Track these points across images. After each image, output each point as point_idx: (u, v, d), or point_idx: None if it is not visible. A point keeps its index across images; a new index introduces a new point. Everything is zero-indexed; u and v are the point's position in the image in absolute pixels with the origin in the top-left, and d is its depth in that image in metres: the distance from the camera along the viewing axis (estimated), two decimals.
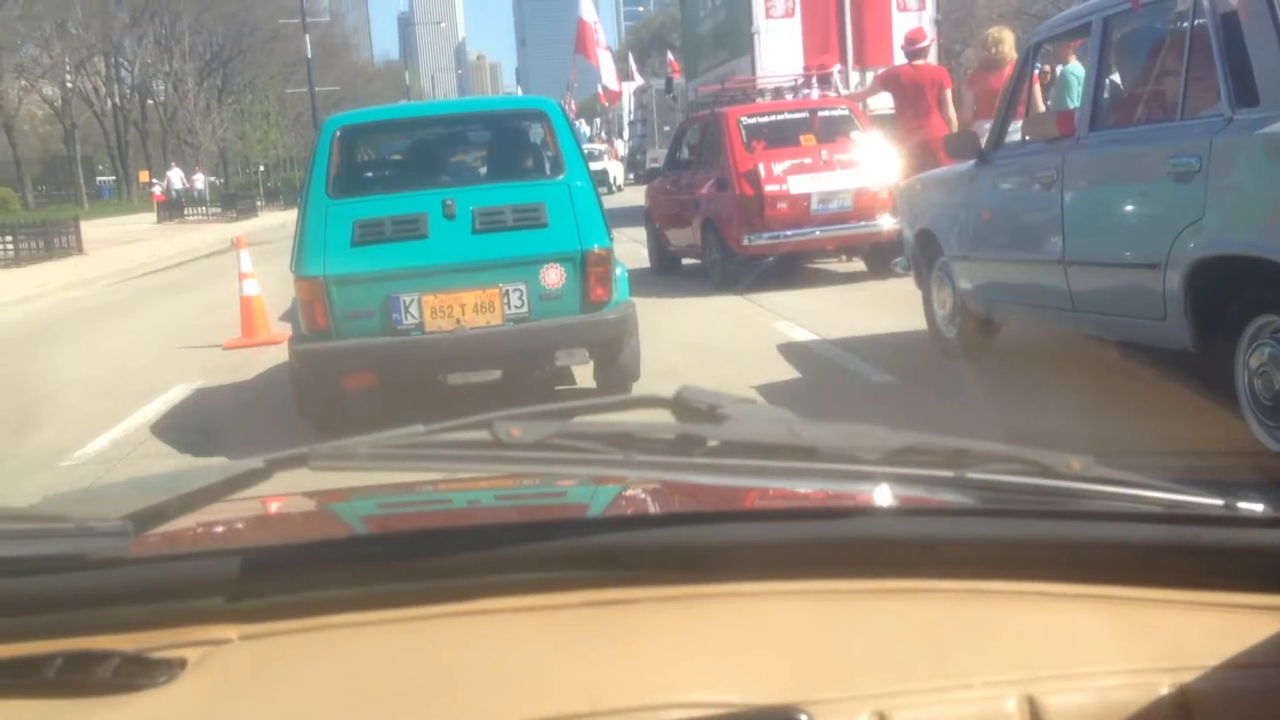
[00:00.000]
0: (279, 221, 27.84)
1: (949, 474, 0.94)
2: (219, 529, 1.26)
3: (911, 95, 10.14)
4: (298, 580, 0.92)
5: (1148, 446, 3.67)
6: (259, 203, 38.89)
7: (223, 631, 0.89)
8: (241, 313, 9.11)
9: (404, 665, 0.86)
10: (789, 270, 10.32)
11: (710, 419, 0.96)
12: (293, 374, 5.83)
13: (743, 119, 10.64)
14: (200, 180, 45.25)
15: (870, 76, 13.58)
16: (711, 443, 0.92)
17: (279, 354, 6.92)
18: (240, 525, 1.33)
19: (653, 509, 1.28)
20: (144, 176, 50.06)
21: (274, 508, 1.41)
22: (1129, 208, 4.86)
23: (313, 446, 0.94)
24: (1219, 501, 0.97)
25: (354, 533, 1.34)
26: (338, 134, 6.05)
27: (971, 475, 0.94)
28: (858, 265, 10.78)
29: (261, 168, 58.09)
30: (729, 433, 0.94)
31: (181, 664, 0.85)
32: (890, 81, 10.56)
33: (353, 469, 0.92)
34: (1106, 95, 5.22)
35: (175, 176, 43.73)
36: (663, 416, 1.00)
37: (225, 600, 0.90)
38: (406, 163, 7.12)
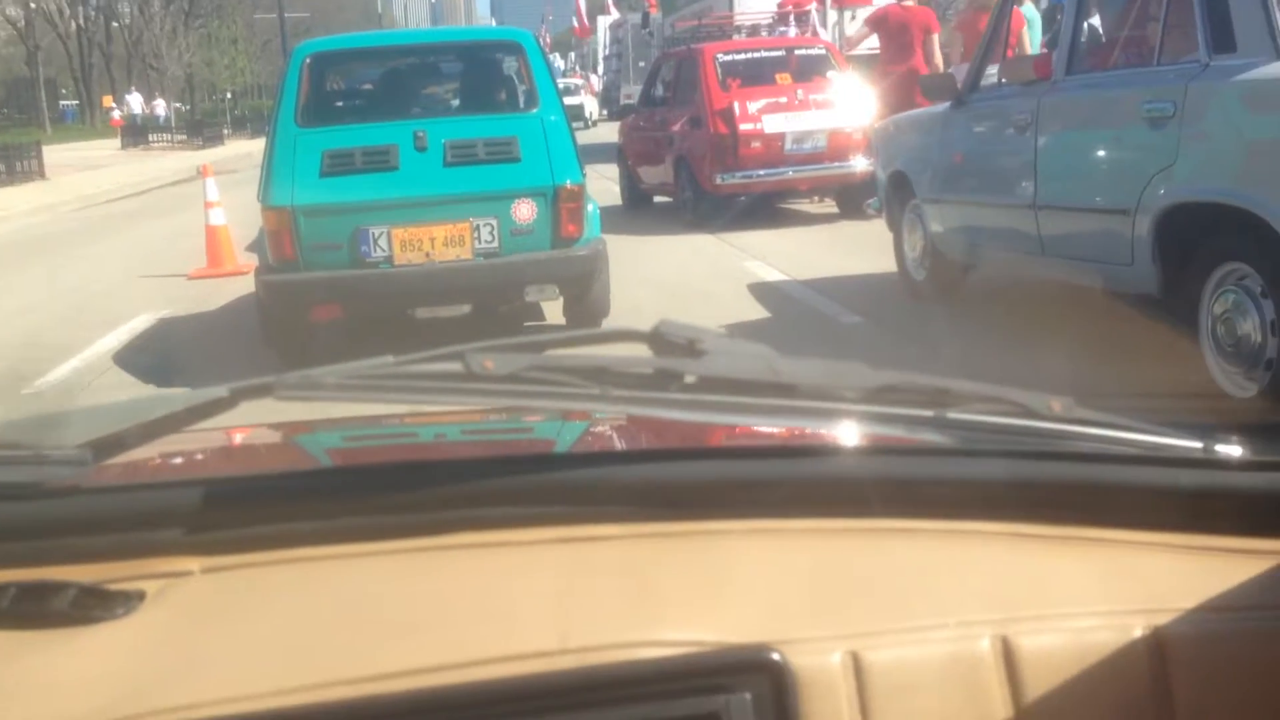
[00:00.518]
0: (246, 150, 27.44)
1: (929, 413, 0.93)
2: (180, 459, 1.24)
3: (898, 36, 10.07)
4: (262, 512, 0.90)
5: (1118, 390, 3.70)
6: (226, 130, 38.24)
7: (184, 564, 0.87)
8: (207, 242, 8.99)
9: (369, 601, 0.85)
10: (761, 210, 10.29)
11: (688, 354, 0.95)
12: (259, 305, 5.77)
13: (719, 56, 10.54)
14: (161, 106, 44.33)
15: (848, 15, 13.47)
16: (689, 378, 0.91)
17: (245, 284, 6.84)
18: (203, 455, 1.31)
19: (627, 445, 1.26)
20: (107, 102, 49.12)
21: (238, 438, 1.39)
22: (1102, 153, 4.85)
23: (279, 376, 0.92)
24: (1198, 444, 0.96)
25: (320, 465, 1.32)
26: (308, 62, 5.94)
27: (952, 415, 0.93)
28: (830, 206, 10.76)
29: (229, 95, 57.16)
30: (707, 368, 0.92)
31: (140, 596, 0.83)
32: (879, 23, 10.47)
33: (320, 399, 0.91)
34: (1085, 39, 5.19)
35: (135, 101, 42.77)
36: (640, 351, 0.98)
37: (186, 532, 0.88)
38: (377, 93, 7.01)
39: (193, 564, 0.87)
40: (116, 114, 41.34)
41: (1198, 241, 4.14)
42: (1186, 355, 4.17)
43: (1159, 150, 4.25)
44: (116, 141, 35.02)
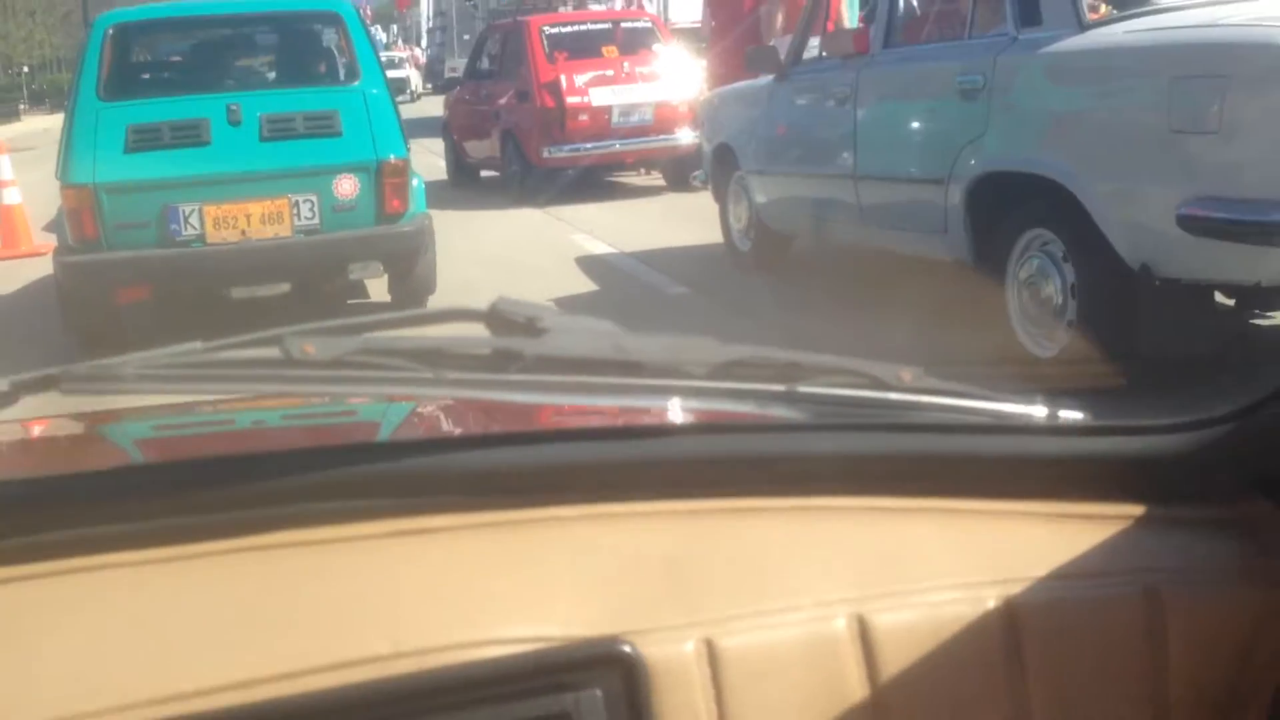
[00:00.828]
0: (44, 126, 25.95)
1: (780, 388, 0.90)
2: None
3: (728, 6, 10.13)
4: (54, 517, 0.80)
5: (933, 355, 3.80)
6: (22, 106, 36.22)
7: None
8: (1, 223, 8.50)
9: (179, 611, 0.77)
10: (589, 184, 10.27)
11: (528, 332, 0.89)
12: (58, 288, 5.47)
13: (545, 28, 10.46)
14: None
15: None
16: (529, 358, 0.86)
17: (43, 267, 6.48)
18: None
19: (461, 429, 1.19)
20: None
21: (31, 432, 1.26)
22: (918, 125, 4.99)
23: (66, 366, 0.83)
24: (1044, 411, 0.97)
25: (125, 460, 1.21)
26: (110, 32, 5.64)
27: (802, 389, 0.91)
28: (656, 179, 10.82)
29: (25, 69, 54.00)
30: (548, 347, 0.88)
31: None
32: None
33: (115, 392, 0.82)
34: (901, 14, 5.32)
35: None
36: (476, 331, 0.93)
37: None
38: (187, 65, 6.70)
39: None
40: None
41: (1006, 209, 4.30)
42: (993, 318, 4.33)
43: (970, 121, 4.39)
44: None
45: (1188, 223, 3.45)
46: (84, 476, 0.94)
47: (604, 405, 1.02)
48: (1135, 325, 3.77)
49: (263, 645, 0.74)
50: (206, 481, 0.84)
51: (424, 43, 42.41)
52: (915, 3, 5.49)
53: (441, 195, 9.29)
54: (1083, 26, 4.02)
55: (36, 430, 1.28)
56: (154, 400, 0.93)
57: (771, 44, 8.22)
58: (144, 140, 5.24)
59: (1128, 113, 3.80)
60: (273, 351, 0.84)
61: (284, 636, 0.75)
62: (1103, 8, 4.35)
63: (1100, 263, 3.83)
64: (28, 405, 0.91)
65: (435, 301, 5.90)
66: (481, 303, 0.93)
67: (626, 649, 0.77)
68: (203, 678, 0.72)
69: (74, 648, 0.74)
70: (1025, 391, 1.00)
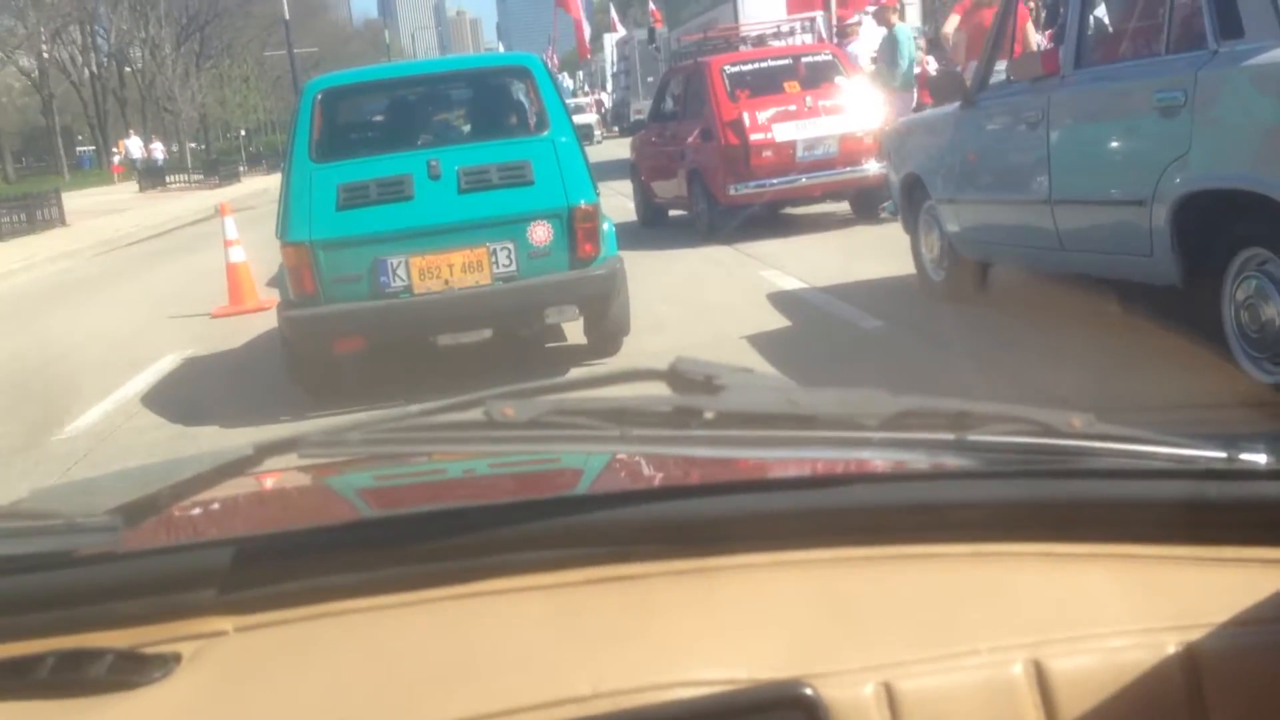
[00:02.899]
0: (262, 187, 27.62)
1: (950, 437, 0.92)
2: (210, 519, 1.24)
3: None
4: (292, 568, 0.90)
5: (1142, 394, 3.67)
6: (241, 168, 38.55)
7: (218, 624, 0.87)
8: (228, 280, 9.06)
9: (403, 653, 0.84)
10: (776, 218, 10.29)
11: (706, 390, 0.95)
12: (282, 340, 5.80)
13: (726, 68, 10.56)
14: (159, 149, 44.14)
15: (853, 21, 13.43)
16: (708, 414, 0.91)
17: (268, 320, 6.89)
18: (231, 514, 1.31)
19: (651, 483, 1.25)
20: (122, 146, 49.54)
21: (267, 490, 1.38)
22: (1115, 145, 4.84)
23: (301, 433, 0.93)
24: (1222, 454, 0.95)
25: (349, 516, 1.32)
26: (319, 97, 5.98)
27: (973, 437, 0.92)
28: (845, 211, 10.76)
29: (243, 132, 57.59)
30: (726, 404, 0.92)
31: (176, 659, 0.83)
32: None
33: (343, 455, 0.91)
34: (1092, 31, 5.18)
35: (134, 145, 42.30)
36: (658, 389, 0.99)
37: (219, 592, 0.88)
38: (389, 124, 7.05)
39: (227, 624, 0.87)
40: (117, 159, 41.02)
41: (1216, 229, 4.12)
42: (1209, 345, 4.14)
43: (1172, 139, 4.24)
44: (134, 185, 35.36)
45: None
46: (317, 531, 1.03)
47: (780, 458, 1.05)
48: None
49: (476, 684, 0.80)
50: (423, 534, 0.92)
51: (609, 86, 43.28)
52: (1106, 21, 5.34)
53: (631, 236, 9.46)
54: None
55: (274, 484, 1.39)
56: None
57: (957, 69, 8.10)
58: (354, 198, 5.51)
59: None
60: (476, 414, 0.91)
61: (497, 677, 0.81)
62: None
63: None
64: (269, 466, 1.01)
65: (629, 341, 6.01)
66: (666, 358, 0.99)
67: (808, 691, 0.79)
68: (425, 714, 0.78)
69: (313, 685, 0.82)
70: (1204, 435, 0.98)
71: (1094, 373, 3.94)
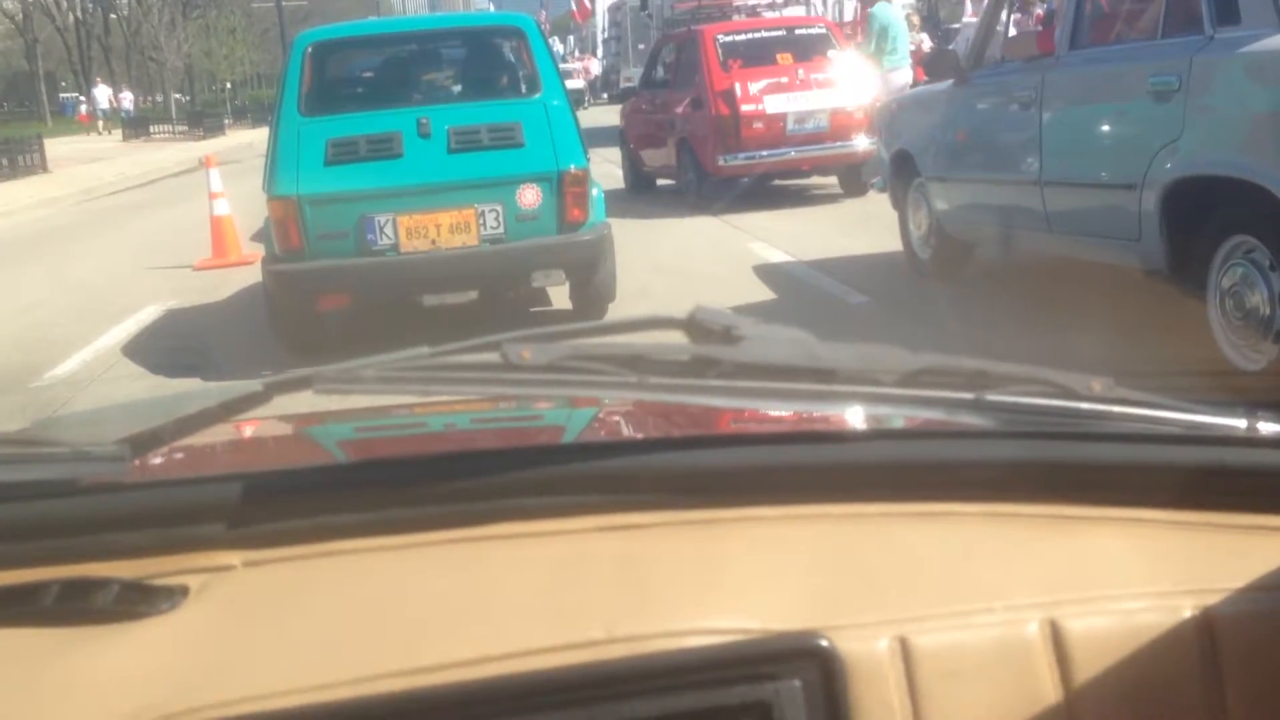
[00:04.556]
0: (247, 140, 27.41)
1: (969, 395, 0.92)
2: (218, 453, 1.23)
3: None
4: (302, 505, 0.89)
5: (1126, 367, 3.69)
6: (227, 121, 38.18)
7: (225, 558, 0.87)
8: (212, 233, 9.00)
9: (411, 593, 0.84)
10: (764, 191, 10.27)
11: (725, 340, 0.94)
12: (266, 295, 5.78)
13: (719, 37, 10.51)
14: (128, 99, 43.19)
15: None
16: (726, 365, 0.90)
17: (251, 274, 6.86)
18: (240, 449, 1.30)
19: (667, 432, 1.24)
20: (90, 96, 48.86)
21: (277, 427, 1.38)
22: (1107, 128, 4.84)
23: (316, 369, 0.92)
24: (1241, 423, 0.96)
25: (358, 457, 1.31)
26: (309, 51, 5.93)
27: (991, 397, 0.92)
28: (833, 185, 10.75)
29: (229, 85, 57.00)
30: (745, 354, 0.92)
31: (183, 591, 0.83)
32: None
33: (358, 392, 0.90)
34: (1088, 13, 5.17)
35: (101, 95, 41.55)
36: (675, 338, 0.98)
37: (227, 526, 0.88)
38: (380, 80, 6.98)
39: (234, 558, 0.87)
40: (84, 108, 40.21)
41: (1205, 215, 4.13)
42: (1193, 330, 4.17)
43: (1165, 124, 4.24)
44: (119, 133, 35.01)
45: None
46: (326, 470, 1.04)
47: (799, 410, 1.05)
48: None
49: (485, 627, 0.80)
50: (433, 475, 0.92)
51: (599, 52, 43.04)
52: (1103, 3, 5.33)
53: (619, 204, 9.43)
54: None
55: (281, 421, 1.38)
56: (389, 400, 1.00)
57: (950, 48, 8.09)
58: (342, 153, 5.47)
59: None
60: (493, 356, 0.90)
61: (508, 619, 0.81)
62: None
63: None
64: (277, 405, 1.00)
65: (615, 309, 6.00)
66: (672, 311, 0.98)
67: (823, 643, 0.80)
68: (433, 655, 0.78)
69: (320, 622, 0.82)
70: (1222, 402, 0.99)
71: (1076, 355, 3.96)
